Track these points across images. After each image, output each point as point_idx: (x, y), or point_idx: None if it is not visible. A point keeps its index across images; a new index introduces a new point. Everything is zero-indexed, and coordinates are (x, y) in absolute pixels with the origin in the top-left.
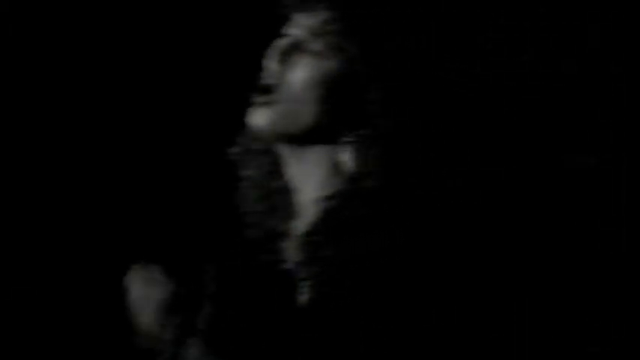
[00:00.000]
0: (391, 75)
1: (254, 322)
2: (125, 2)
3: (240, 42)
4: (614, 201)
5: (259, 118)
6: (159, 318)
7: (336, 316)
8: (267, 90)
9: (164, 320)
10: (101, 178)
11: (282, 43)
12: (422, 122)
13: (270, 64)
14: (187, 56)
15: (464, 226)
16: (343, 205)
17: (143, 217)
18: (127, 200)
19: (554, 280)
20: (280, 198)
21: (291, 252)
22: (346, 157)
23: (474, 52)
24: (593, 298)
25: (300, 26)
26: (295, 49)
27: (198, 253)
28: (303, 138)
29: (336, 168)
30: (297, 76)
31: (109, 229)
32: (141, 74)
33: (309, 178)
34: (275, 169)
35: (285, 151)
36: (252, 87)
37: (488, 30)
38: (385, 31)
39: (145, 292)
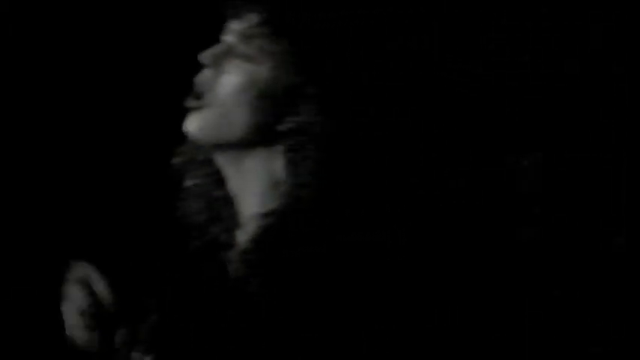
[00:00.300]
0: (324, 79)
1: (199, 333)
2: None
3: (179, 49)
4: (615, 201)
5: (193, 125)
6: (87, 324)
7: (281, 327)
8: (200, 97)
9: (92, 327)
10: (39, 183)
11: (213, 49)
12: (359, 130)
13: (203, 70)
14: (127, 66)
15: (410, 235)
16: (282, 219)
17: (83, 227)
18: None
19: (551, 279)
20: (224, 208)
21: (235, 263)
22: (282, 168)
23: (414, 52)
24: (593, 297)
25: (231, 31)
26: (226, 54)
27: (140, 262)
28: (238, 145)
29: (273, 179)
30: (227, 81)
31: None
32: (80, 83)
33: (249, 190)
34: (218, 179)
35: (224, 161)
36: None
37: (425, 26)
38: (316, 33)
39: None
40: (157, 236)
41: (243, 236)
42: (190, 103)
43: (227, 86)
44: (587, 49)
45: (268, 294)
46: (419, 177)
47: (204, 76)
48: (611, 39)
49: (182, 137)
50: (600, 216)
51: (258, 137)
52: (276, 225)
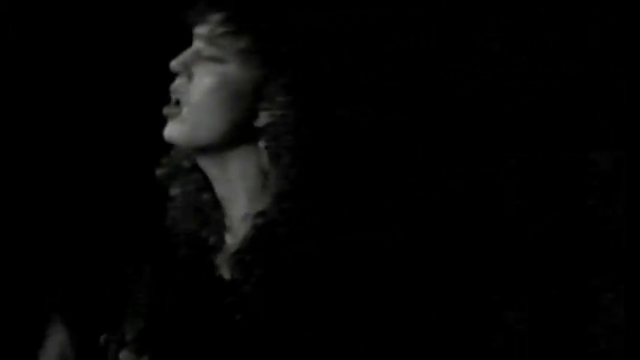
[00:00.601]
0: (290, 70)
1: (191, 336)
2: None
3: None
4: (615, 201)
5: (172, 132)
6: None
7: (269, 331)
8: (176, 104)
9: None
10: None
11: (181, 55)
12: (332, 118)
13: (176, 78)
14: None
15: (395, 239)
16: (274, 219)
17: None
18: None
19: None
20: (212, 212)
21: (224, 267)
22: (266, 163)
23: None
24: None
25: (197, 36)
26: (195, 59)
27: (129, 269)
28: (220, 147)
29: (259, 177)
30: (199, 84)
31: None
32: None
33: (236, 192)
34: (204, 184)
35: (208, 164)
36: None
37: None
38: (278, 26)
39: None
40: (146, 244)
41: (232, 239)
42: (167, 110)
43: (199, 89)
44: (585, 48)
45: (263, 294)
46: (398, 165)
47: (177, 84)
48: (609, 39)
49: (165, 146)
50: (598, 216)
51: (237, 136)
52: (269, 224)
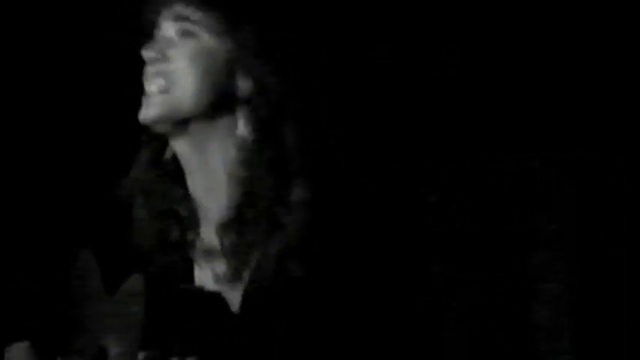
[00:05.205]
0: (260, 39)
1: (178, 339)
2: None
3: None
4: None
5: (152, 110)
6: None
7: (260, 326)
8: (152, 85)
9: None
10: None
11: (153, 39)
12: (310, 85)
13: (149, 61)
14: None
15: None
16: (245, 212)
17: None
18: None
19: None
20: (182, 207)
21: (203, 261)
22: (248, 133)
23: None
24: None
25: (166, 17)
26: (167, 40)
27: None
28: (201, 121)
29: (241, 149)
30: (175, 61)
31: None
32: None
33: (215, 177)
34: (174, 180)
35: (187, 148)
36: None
37: None
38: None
39: None
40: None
41: (208, 231)
42: (147, 91)
43: (176, 66)
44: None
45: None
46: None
47: (156, 69)
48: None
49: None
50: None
51: (218, 107)
52: (241, 214)
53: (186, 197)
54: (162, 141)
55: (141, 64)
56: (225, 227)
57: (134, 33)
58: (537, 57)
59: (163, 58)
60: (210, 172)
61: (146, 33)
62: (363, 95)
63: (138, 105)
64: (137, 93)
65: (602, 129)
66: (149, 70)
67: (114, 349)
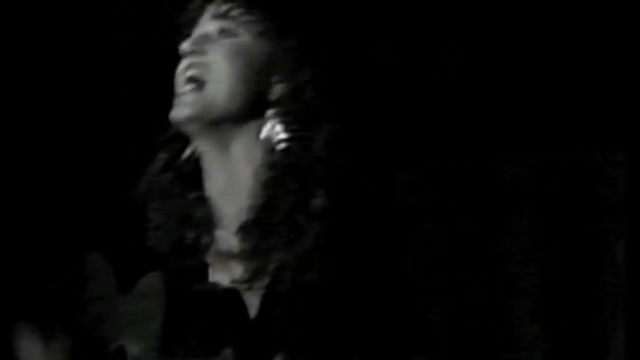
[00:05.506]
0: (304, 42)
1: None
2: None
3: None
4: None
5: (186, 108)
6: None
7: (276, 330)
8: (188, 82)
9: None
10: None
11: (192, 36)
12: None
13: (186, 54)
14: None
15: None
16: (266, 215)
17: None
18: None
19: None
20: (198, 210)
21: (218, 265)
22: (276, 135)
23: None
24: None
25: (207, 14)
26: (206, 36)
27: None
28: (230, 122)
29: (267, 153)
30: (213, 58)
31: None
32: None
33: (237, 180)
34: (191, 183)
35: (212, 148)
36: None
37: None
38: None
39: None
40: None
41: (226, 234)
42: (180, 91)
43: (214, 63)
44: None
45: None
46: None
47: (192, 62)
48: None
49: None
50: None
51: (250, 108)
52: (264, 214)
53: (203, 200)
54: (182, 142)
55: (166, 65)
56: (245, 230)
57: (167, 33)
58: (537, 57)
59: (200, 51)
60: (232, 173)
61: (181, 33)
62: (384, 104)
63: (158, 107)
64: (157, 95)
65: (590, 129)
66: (185, 62)
67: (133, 349)
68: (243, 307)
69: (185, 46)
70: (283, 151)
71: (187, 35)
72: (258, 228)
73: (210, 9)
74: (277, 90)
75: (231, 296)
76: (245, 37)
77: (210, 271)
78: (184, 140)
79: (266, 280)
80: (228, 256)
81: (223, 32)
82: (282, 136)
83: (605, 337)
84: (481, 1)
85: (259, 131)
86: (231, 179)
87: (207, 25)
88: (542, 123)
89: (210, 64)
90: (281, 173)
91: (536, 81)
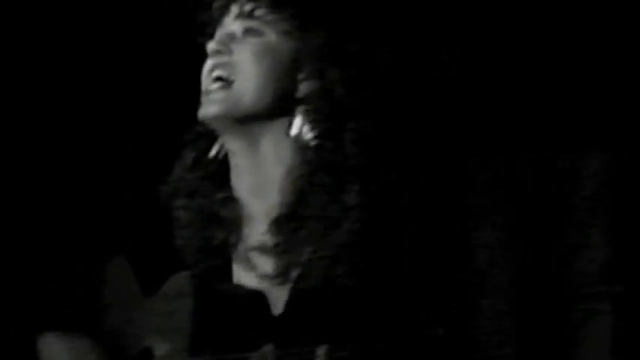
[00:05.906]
0: (330, 42)
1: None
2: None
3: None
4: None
5: (214, 106)
6: None
7: (304, 325)
8: (216, 80)
9: None
10: None
11: (218, 35)
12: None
13: (212, 53)
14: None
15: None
16: (299, 210)
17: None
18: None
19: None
20: (224, 209)
21: (243, 261)
22: (304, 134)
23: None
24: None
25: (233, 13)
26: (232, 35)
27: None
28: (259, 119)
29: (295, 151)
30: (240, 57)
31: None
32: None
33: (266, 178)
34: (218, 181)
35: (241, 145)
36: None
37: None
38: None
39: None
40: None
41: (256, 232)
42: (207, 89)
43: (241, 63)
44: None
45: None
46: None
47: (219, 61)
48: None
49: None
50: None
51: (278, 106)
52: (295, 214)
53: (230, 199)
54: (209, 140)
55: (193, 63)
56: (278, 223)
57: (191, 32)
58: (537, 57)
59: (227, 50)
60: (261, 170)
61: (204, 32)
62: (414, 101)
63: (184, 105)
64: (182, 93)
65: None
66: (211, 62)
67: (160, 349)
68: (268, 308)
69: (211, 45)
70: (315, 147)
71: (211, 34)
72: (290, 223)
73: (234, 8)
74: (304, 88)
75: (257, 297)
76: (270, 36)
77: (235, 270)
78: (211, 138)
79: (295, 275)
80: (260, 251)
81: (248, 31)
82: (313, 133)
83: (583, 334)
84: (481, 1)
85: (288, 129)
86: (261, 177)
87: (232, 24)
88: (530, 123)
89: (237, 63)
90: (313, 170)
91: (519, 82)
